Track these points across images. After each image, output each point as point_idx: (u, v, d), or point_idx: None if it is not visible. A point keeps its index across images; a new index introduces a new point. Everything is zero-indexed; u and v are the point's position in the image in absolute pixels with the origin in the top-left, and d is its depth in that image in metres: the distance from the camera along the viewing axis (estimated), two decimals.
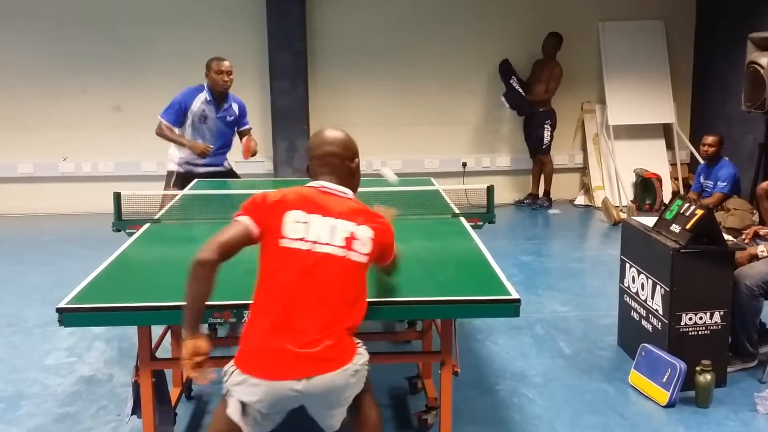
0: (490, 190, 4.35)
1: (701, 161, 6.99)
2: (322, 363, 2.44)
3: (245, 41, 8.35)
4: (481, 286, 3.05)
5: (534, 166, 8.69)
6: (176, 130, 5.55)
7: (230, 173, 5.90)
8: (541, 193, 8.64)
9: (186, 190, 5.08)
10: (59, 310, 2.67)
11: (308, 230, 2.54)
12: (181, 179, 5.57)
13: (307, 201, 2.60)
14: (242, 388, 2.44)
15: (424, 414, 3.53)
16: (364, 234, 2.59)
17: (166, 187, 5.58)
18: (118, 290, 3.04)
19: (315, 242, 2.52)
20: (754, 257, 4.10)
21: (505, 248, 6.55)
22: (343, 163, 2.75)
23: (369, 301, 2.81)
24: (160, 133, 5.56)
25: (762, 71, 6.34)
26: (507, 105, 8.45)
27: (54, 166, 8.41)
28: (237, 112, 5.77)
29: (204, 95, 5.52)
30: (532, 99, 8.31)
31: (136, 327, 3.00)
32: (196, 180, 5.49)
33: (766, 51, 6.44)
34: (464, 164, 8.76)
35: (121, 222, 4.23)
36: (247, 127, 5.91)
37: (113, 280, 3.13)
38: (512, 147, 8.88)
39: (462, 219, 4.10)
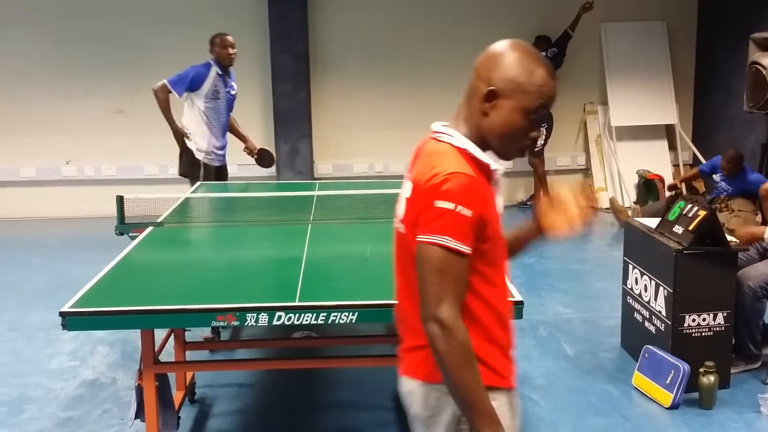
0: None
1: (703, 160, 6.98)
2: (400, 363, 1.95)
3: (247, 44, 8.32)
4: None
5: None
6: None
7: (226, 169, 6.06)
8: (541, 195, 8.63)
9: (188, 194, 5.08)
10: (62, 314, 2.67)
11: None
12: (206, 169, 5.73)
13: (412, 160, 1.93)
14: None
15: None
16: (404, 192, 1.85)
17: (195, 179, 5.67)
18: (121, 294, 3.05)
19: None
20: (759, 238, 4.07)
21: None
22: (475, 87, 1.80)
23: (371, 304, 2.81)
24: (156, 96, 5.63)
25: (764, 72, 6.33)
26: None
27: (56, 170, 8.42)
28: (234, 85, 5.92)
29: (215, 70, 5.67)
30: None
31: (139, 330, 3.00)
32: (198, 183, 5.50)
33: (767, 51, 6.43)
34: None
35: (124, 225, 4.23)
36: None
37: (116, 284, 3.14)
38: None
39: None
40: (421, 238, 1.70)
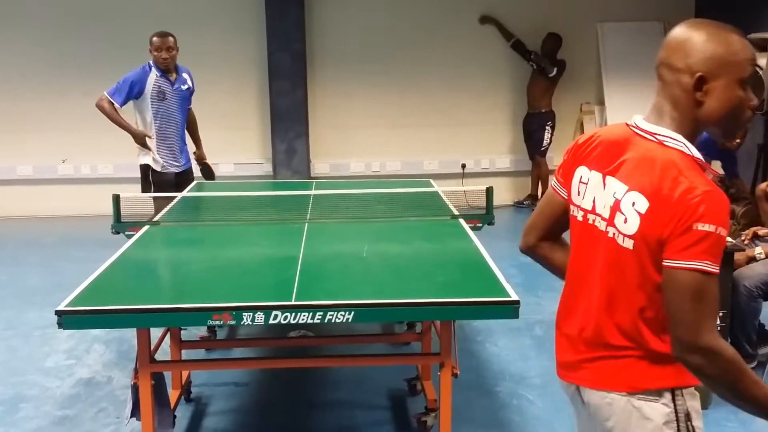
0: (489, 191, 4.35)
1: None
2: (578, 372, 1.95)
3: (244, 42, 8.35)
4: (481, 288, 3.05)
5: (533, 168, 8.69)
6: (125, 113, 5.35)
7: (191, 173, 5.65)
8: (540, 194, 8.63)
9: (186, 192, 5.07)
10: (58, 313, 2.67)
11: (585, 193, 1.85)
12: (158, 178, 5.34)
13: (601, 150, 1.83)
14: None
15: (423, 416, 3.53)
16: (631, 203, 1.70)
17: (146, 185, 5.35)
18: (118, 293, 3.04)
19: (587, 210, 1.85)
20: (752, 259, 4.10)
21: (504, 250, 6.49)
22: (674, 81, 1.70)
23: (368, 303, 2.81)
24: (102, 109, 5.32)
25: (761, 72, 6.34)
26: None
27: (53, 169, 8.41)
28: (190, 81, 5.55)
29: (154, 71, 5.31)
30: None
31: (135, 329, 2.99)
32: (195, 182, 5.48)
33: (764, 52, 6.45)
34: (463, 166, 8.76)
35: (121, 224, 4.23)
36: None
37: (112, 283, 3.13)
38: (511, 148, 8.88)
39: (461, 221, 4.10)
40: (679, 263, 1.62)
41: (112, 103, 5.29)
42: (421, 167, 8.56)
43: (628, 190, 1.70)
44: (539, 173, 8.57)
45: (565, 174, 1.92)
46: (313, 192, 5.04)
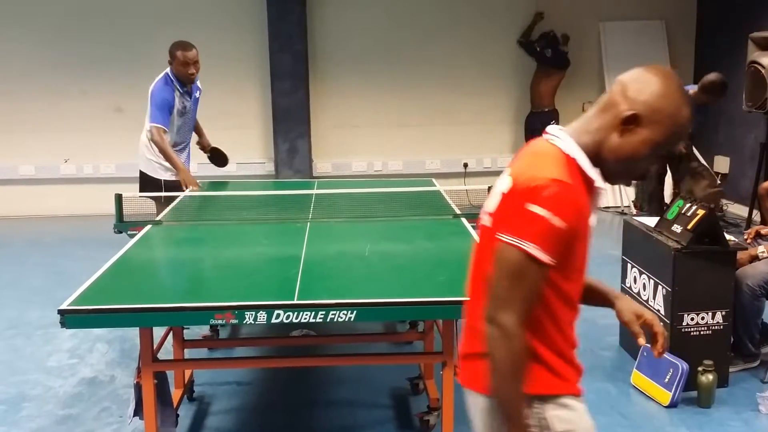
0: (491, 190, 4.34)
1: (701, 160, 6.97)
2: (460, 368, 1.91)
3: (246, 42, 8.35)
4: None
5: None
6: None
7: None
8: None
9: (187, 192, 5.07)
10: (61, 312, 2.67)
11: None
12: (170, 185, 5.03)
13: (518, 153, 1.89)
14: None
15: (426, 415, 3.53)
16: (501, 185, 1.77)
17: (159, 198, 5.01)
18: (120, 292, 3.05)
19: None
20: (755, 258, 4.10)
21: None
22: (615, 102, 1.73)
23: (370, 302, 2.81)
24: (158, 144, 4.97)
25: (763, 71, 6.33)
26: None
27: (55, 168, 8.41)
28: (199, 86, 5.27)
29: (177, 88, 4.96)
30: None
31: (137, 328, 3.00)
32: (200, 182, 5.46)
33: (766, 51, 6.43)
34: (465, 165, 8.75)
35: (123, 224, 4.23)
36: None
37: (115, 282, 3.13)
38: (513, 147, 8.86)
39: (463, 220, 4.09)
40: (504, 237, 1.64)
41: (165, 131, 4.97)
42: (423, 166, 8.56)
43: (506, 176, 1.76)
44: None
45: None
46: (315, 191, 5.03)
